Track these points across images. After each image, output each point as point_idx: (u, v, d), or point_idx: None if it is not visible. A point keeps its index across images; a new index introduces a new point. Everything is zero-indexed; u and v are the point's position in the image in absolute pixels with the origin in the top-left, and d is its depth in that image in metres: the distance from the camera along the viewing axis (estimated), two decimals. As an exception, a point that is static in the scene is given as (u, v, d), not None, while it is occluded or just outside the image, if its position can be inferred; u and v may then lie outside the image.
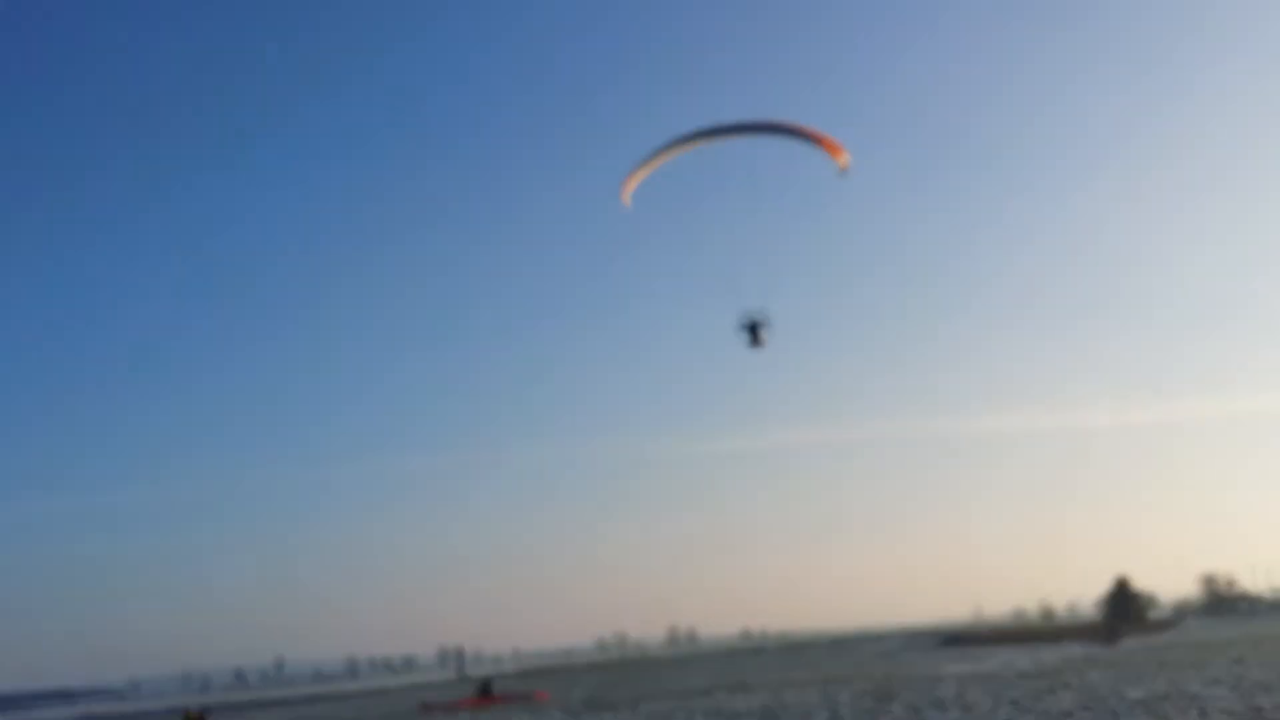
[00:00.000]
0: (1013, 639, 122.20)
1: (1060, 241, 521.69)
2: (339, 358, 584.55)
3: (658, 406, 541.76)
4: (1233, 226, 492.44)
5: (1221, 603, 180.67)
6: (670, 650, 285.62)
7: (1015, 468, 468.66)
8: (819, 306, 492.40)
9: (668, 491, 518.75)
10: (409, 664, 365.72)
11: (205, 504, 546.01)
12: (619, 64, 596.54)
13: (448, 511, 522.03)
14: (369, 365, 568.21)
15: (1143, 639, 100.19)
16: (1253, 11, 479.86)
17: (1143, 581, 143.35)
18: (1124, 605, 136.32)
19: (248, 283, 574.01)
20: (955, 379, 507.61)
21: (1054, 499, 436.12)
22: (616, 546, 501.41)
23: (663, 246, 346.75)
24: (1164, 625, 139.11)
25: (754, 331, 34.66)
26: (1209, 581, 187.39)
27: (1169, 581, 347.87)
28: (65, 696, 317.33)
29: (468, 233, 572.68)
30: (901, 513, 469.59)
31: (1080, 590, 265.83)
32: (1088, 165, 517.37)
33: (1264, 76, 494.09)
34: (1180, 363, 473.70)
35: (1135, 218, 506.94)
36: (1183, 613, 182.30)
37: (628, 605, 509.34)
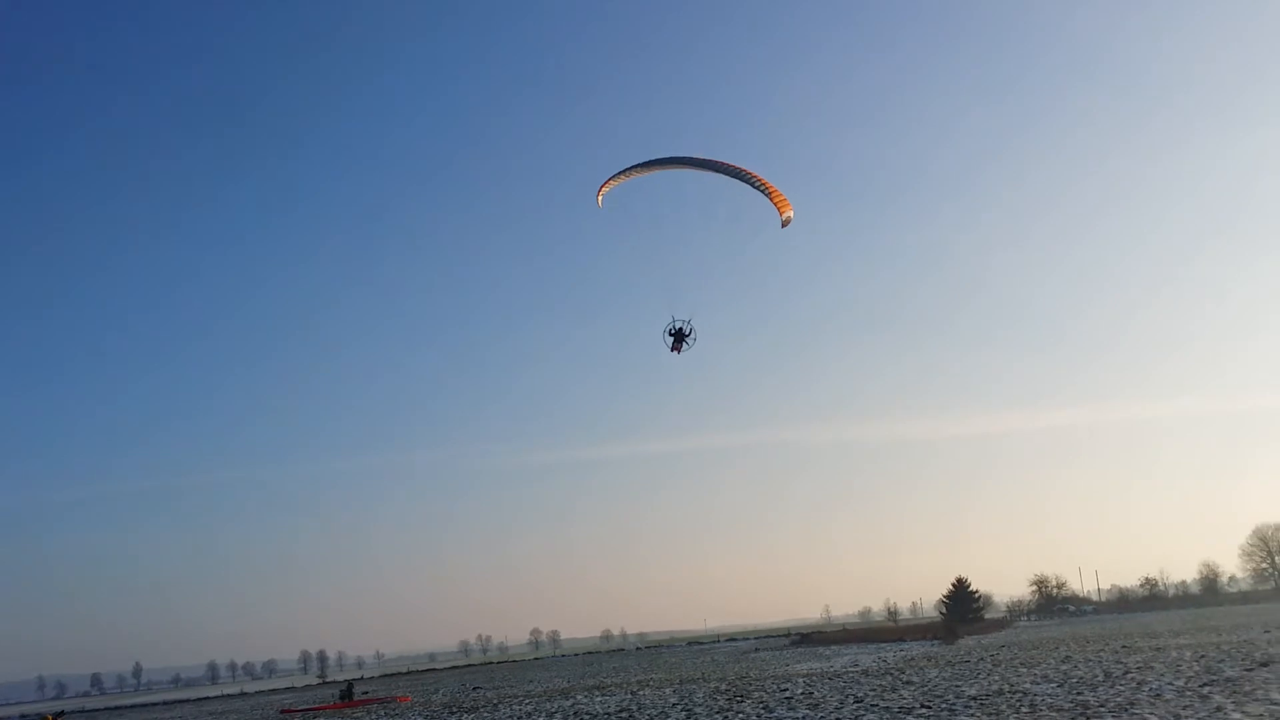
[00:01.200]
0: (859, 639, 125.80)
1: (911, 264, 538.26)
2: (188, 364, 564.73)
3: (510, 417, 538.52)
4: (1064, 252, 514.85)
5: (1051, 603, 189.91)
6: (533, 653, 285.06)
7: (862, 475, 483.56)
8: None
9: (530, 499, 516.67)
10: (271, 669, 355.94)
11: (57, 510, 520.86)
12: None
13: (310, 517, 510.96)
14: (218, 370, 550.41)
15: (979, 638, 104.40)
16: (1093, 47, 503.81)
17: (980, 584, 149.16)
18: (962, 606, 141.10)
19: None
20: (807, 391, 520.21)
21: (900, 506, 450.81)
22: (479, 552, 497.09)
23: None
24: (999, 625, 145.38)
25: (678, 338, 37.36)
26: (1040, 584, 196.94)
27: (1005, 584, 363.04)
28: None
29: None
30: (756, 519, 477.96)
31: (923, 592, 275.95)
32: (938, 193, 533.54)
33: (1100, 110, 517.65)
34: (1017, 377, 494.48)
35: (976, 243, 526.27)
36: (1016, 613, 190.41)
37: (491, 610, 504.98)
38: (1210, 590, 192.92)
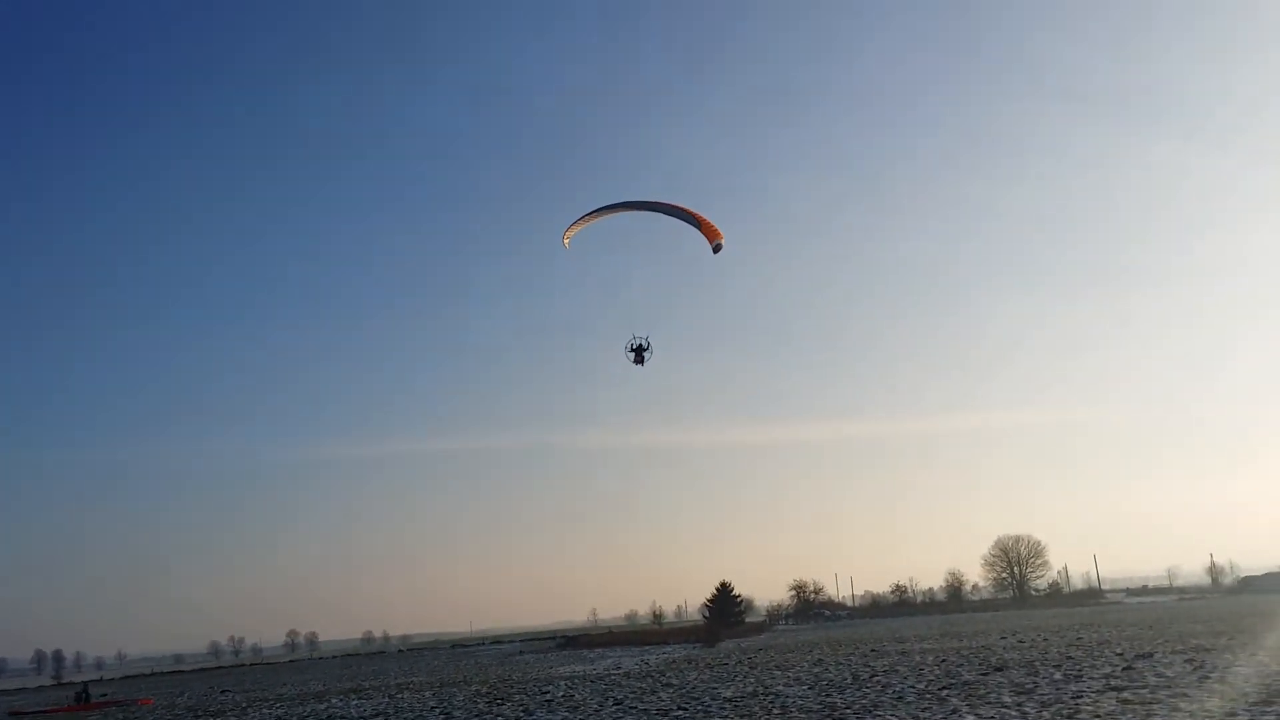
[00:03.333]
0: (625, 641, 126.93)
1: (681, 273, 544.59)
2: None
3: (274, 409, 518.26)
4: (889, 271, 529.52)
5: (809, 608, 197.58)
6: (288, 655, 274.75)
7: (629, 479, 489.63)
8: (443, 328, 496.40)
9: (287, 495, 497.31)
10: (0, 669, 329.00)
11: None
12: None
13: (41, 506, 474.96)
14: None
15: (739, 641, 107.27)
16: (898, 78, 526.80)
17: (743, 588, 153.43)
18: (725, 609, 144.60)
19: None
20: (576, 394, 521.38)
21: (668, 510, 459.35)
22: (234, 549, 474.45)
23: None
24: (759, 628, 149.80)
25: (639, 353, 41.57)
26: (799, 589, 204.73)
27: (767, 588, 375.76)
28: None
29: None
30: (525, 521, 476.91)
31: (689, 595, 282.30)
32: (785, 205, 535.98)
33: (927, 135, 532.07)
34: (786, 388, 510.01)
35: (817, 256, 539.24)
36: (775, 617, 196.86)
37: (244, 609, 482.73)
38: (955, 598, 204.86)
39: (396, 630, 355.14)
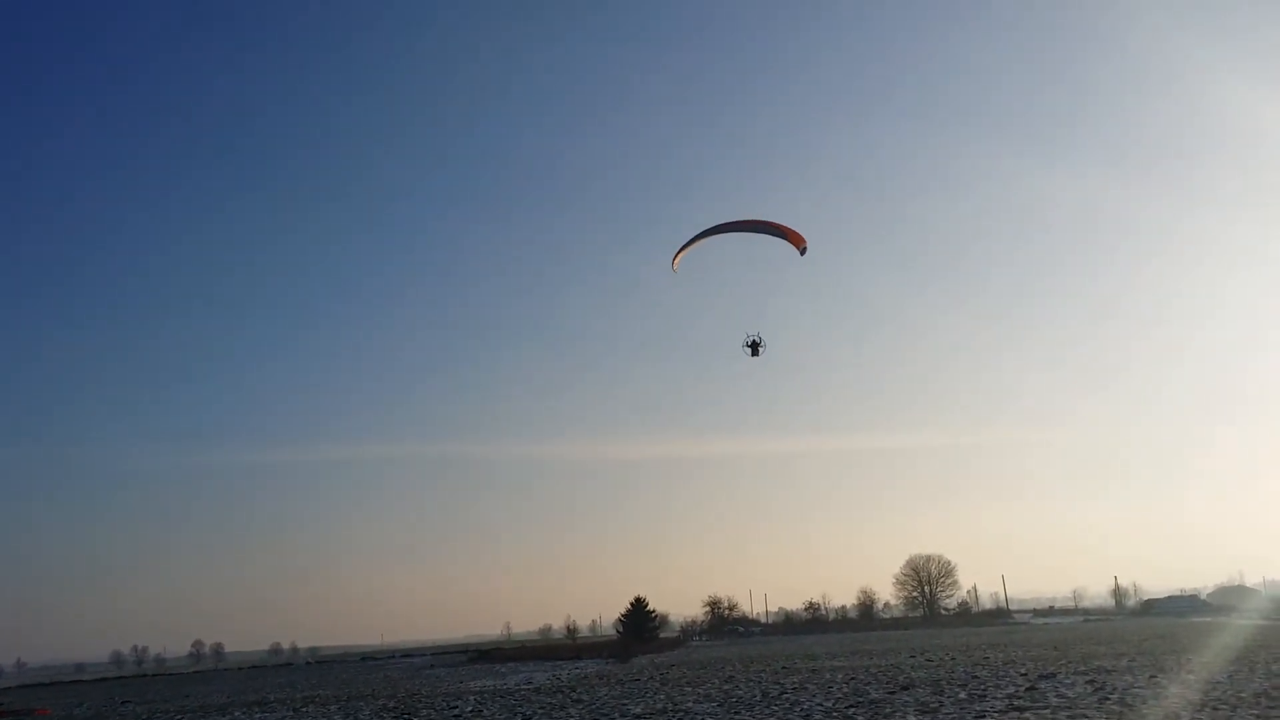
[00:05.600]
0: (538, 656, 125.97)
1: (568, 280, 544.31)
2: None
3: (175, 413, 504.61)
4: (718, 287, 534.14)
5: (723, 624, 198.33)
6: (193, 666, 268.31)
7: (548, 493, 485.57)
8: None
9: (194, 502, 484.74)
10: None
11: None
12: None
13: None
14: None
15: (652, 656, 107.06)
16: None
17: (659, 603, 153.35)
18: (639, 625, 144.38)
19: None
20: (479, 403, 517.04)
21: (586, 524, 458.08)
22: (137, 556, 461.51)
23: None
24: (673, 644, 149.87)
25: (755, 347, 46.52)
26: (713, 605, 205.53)
27: (682, 603, 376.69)
28: None
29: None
30: (438, 532, 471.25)
31: (604, 610, 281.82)
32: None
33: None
34: (709, 404, 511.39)
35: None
36: (689, 633, 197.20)
37: (149, 619, 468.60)
38: (867, 615, 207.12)
39: (306, 642, 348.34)
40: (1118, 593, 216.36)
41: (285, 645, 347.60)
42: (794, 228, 45.74)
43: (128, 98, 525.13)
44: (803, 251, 45.86)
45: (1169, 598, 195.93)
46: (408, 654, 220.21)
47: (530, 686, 61.80)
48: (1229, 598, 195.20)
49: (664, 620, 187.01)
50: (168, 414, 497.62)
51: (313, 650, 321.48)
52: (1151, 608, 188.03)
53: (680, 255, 47.46)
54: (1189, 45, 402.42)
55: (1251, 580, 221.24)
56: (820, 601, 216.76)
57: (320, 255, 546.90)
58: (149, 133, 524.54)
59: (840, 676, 51.45)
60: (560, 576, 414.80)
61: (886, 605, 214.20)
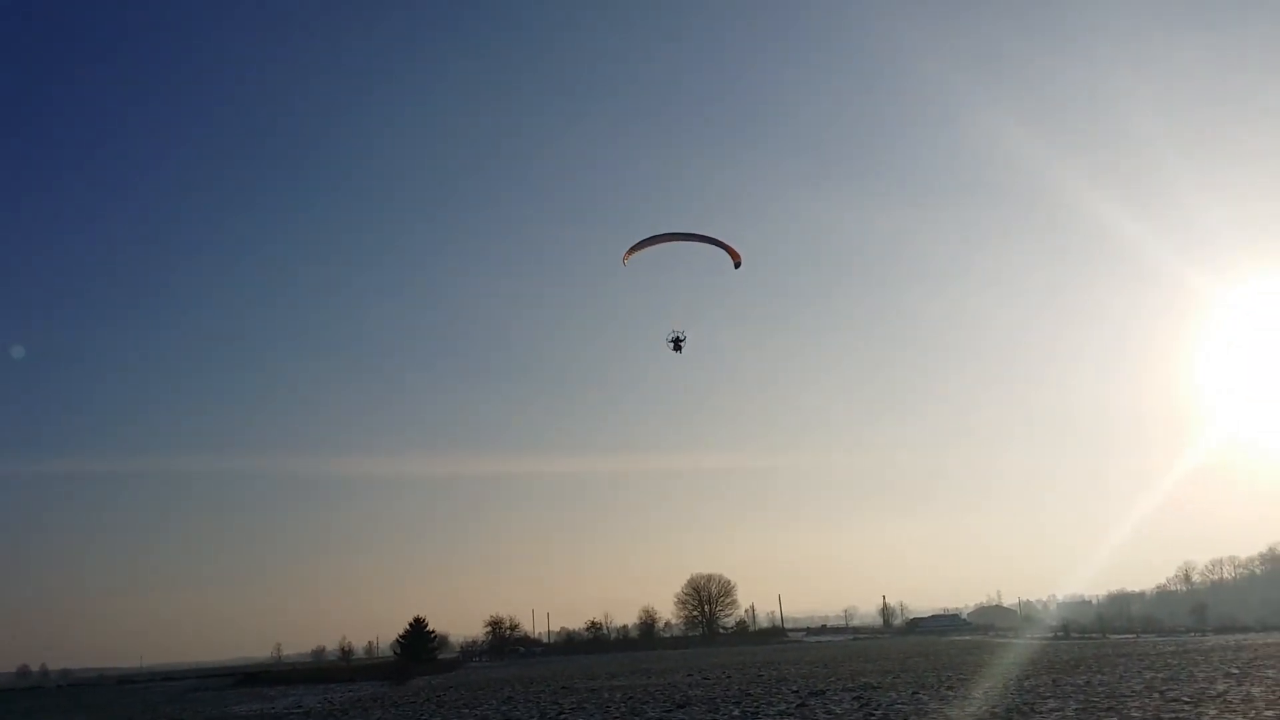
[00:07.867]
0: (309, 678, 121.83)
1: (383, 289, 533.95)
2: None
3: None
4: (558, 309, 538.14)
5: (505, 644, 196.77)
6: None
7: (317, 510, 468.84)
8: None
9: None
10: None
11: None
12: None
13: None
14: None
15: (431, 678, 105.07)
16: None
17: (439, 624, 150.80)
18: (418, 646, 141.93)
19: None
20: (259, 417, 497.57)
21: (363, 543, 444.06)
22: None
23: None
24: (452, 665, 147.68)
25: (677, 343, 47.46)
26: (495, 625, 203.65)
27: (463, 624, 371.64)
28: None
29: None
30: (201, 548, 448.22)
31: (381, 631, 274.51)
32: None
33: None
34: (492, 420, 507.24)
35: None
36: (470, 653, 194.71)
37: None
38: (648, 635, 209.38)
39: (57, 663, 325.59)
40: (886, 612, 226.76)
41: (34, 667, 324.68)
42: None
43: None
44: (737, 265, 47.56)
45: (932, 617, 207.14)
46: (169, 676, 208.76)
47: (300, 711, 59.52)
48: (988, 617, 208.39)
49: (444, 641, 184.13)
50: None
51: (64, 673, 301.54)
52: (916, 626, 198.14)
53: (631, 254, 48.55)
54: (966, 84, 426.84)
55: (1008, 600, 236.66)
56: (603, 621, 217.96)
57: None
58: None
59: (619, 696, 51.53)
60: (336, 596, 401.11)
61: (668, 624, 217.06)
